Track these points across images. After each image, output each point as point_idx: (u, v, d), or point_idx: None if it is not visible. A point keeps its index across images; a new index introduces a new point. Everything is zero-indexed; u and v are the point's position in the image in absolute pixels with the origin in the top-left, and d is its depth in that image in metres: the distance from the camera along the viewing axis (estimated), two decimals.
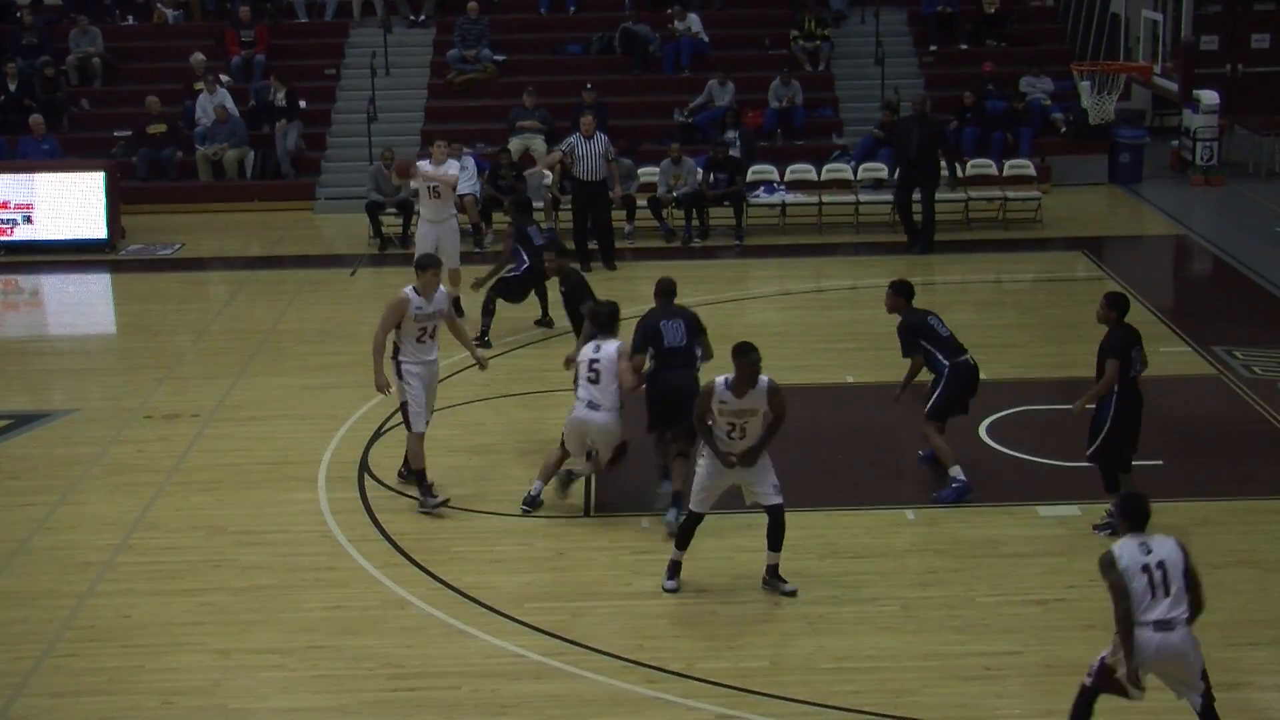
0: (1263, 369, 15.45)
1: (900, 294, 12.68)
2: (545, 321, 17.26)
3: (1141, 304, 17.91)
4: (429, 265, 12.20)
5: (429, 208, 17.36)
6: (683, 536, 10.85)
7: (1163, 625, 8.02)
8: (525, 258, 16.47)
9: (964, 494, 12.23)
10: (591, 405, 11.87)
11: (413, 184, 18.08)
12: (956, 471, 12.31)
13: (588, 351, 12.06)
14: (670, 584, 10.82)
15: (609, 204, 20.66)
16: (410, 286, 12.09)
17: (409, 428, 12.14)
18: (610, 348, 11.97)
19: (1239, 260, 20.09)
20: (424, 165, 17.35)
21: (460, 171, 21.46)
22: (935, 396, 12.42)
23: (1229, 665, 9.69)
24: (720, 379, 10.47)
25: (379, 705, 9.48)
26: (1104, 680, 8.28)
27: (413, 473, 12.32)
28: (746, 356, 10.37)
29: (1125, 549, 8.14)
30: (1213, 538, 11.50)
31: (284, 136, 24.56)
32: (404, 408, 12.14)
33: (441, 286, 12.29)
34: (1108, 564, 8.13)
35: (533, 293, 17.04)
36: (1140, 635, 8.01)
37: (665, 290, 12.45)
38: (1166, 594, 8.04)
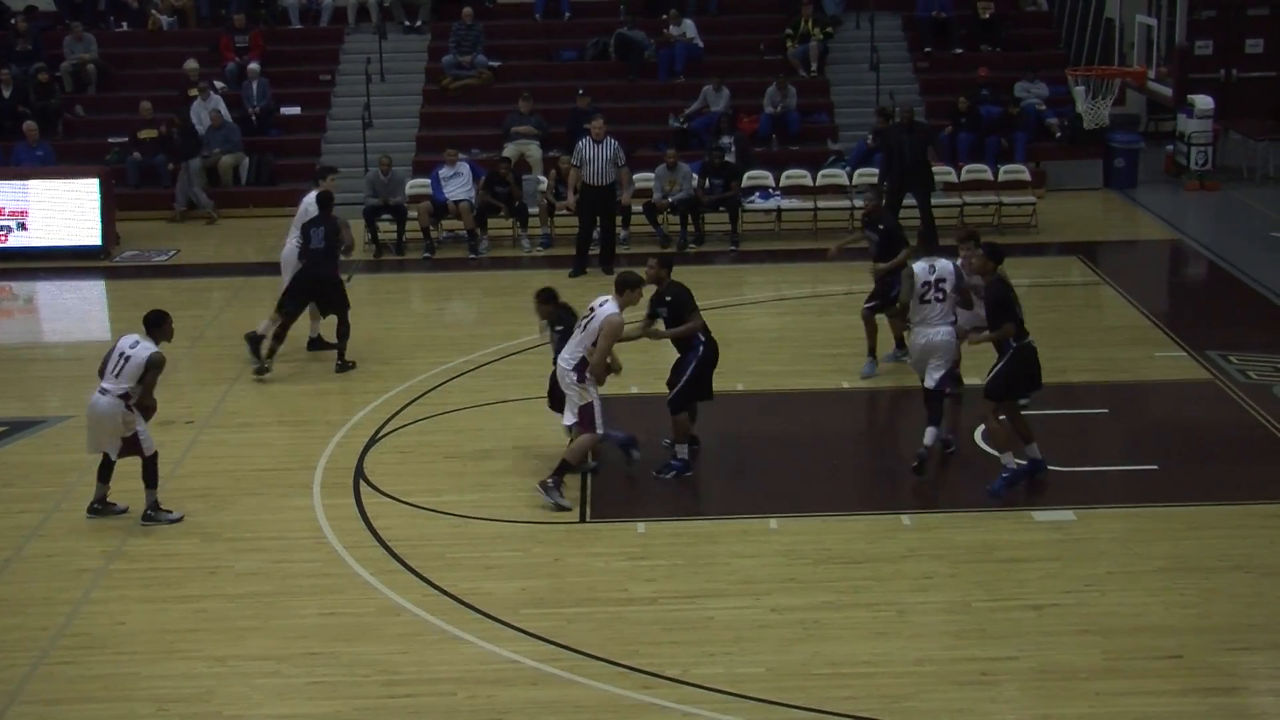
0: (1257, 374, 15.44)
1: (994, 259, 12.52)
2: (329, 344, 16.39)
3: (1136, 309, 17.96)
4: (637, 284, 12.71)
5: None
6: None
7: None
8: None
9: (1015, 482, 12.13)
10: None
11: None
12: (1008, 459, 12.20)
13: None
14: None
15: (615, 209, 20.63)
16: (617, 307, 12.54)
17: (593, 428, 12.44)
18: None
19: (1234, 265, 20.10)
20: None
21: (455, 177, 21.63)
22: (996, 373, 12.14)
23: (1225, 670, 9.72)
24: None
25: (374, 712, 9.47)
26: None
27: (567, 465, 12.50)
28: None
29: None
30: (1207, 542, 11.53)
31: (184, 174, 23.55)
32: (587, 409, 12.43)
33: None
34: None
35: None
36: None
37: None
38: None
